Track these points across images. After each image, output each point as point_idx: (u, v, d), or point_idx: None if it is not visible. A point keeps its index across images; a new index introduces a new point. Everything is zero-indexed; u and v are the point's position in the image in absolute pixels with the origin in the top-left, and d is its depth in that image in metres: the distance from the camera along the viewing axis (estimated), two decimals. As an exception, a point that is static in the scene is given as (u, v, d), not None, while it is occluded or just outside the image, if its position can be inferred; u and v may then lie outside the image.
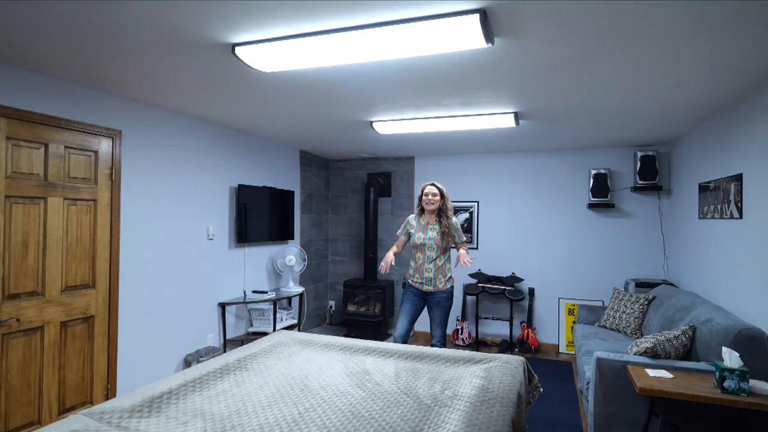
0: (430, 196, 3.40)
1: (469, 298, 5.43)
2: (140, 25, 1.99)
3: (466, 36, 1.99)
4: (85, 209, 2.98)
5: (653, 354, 2.72)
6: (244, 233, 4.36)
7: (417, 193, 5.66)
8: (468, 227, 5.52)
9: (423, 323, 5.63)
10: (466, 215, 5.54)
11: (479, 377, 2.00)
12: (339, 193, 6.21)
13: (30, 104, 2.64)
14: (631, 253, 4.87)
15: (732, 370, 2.18)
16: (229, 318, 4.28)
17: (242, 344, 3.49)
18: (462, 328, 5.28)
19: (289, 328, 4.61)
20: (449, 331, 5.50)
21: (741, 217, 2.97)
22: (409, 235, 3.51)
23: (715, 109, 3.33)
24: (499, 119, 3.62)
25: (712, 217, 3.45)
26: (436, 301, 3.41)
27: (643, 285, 4.37)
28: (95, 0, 1.78)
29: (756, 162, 2.80)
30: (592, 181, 4.89)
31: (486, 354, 2.35)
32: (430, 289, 3.39)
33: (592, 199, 4.89)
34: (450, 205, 3.46)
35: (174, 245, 3.64)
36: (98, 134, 3.03)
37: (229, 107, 3.44)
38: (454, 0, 1.76)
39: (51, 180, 2.77)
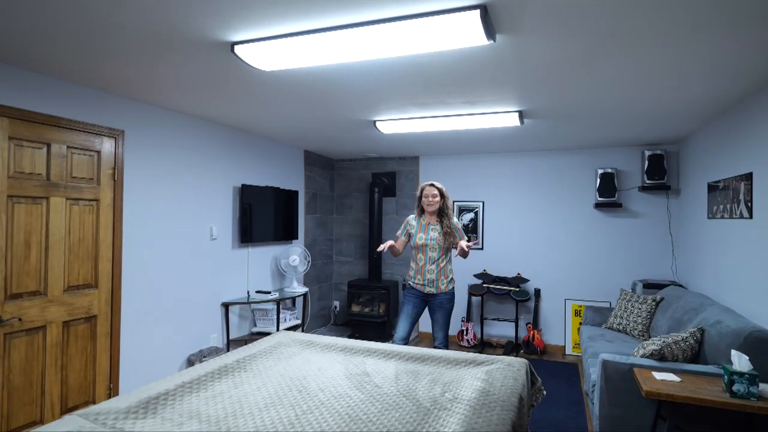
0: (430, 198, 3.34)
1: (474, 298, 5.39)
2: (139, 24, 1.98)
3: (467, 33, 1.95)
4: (88, 209, 2.99)
5: (660, 356, 2.66)
6: (248, 233, 4.35)
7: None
8: (473, 227, 5.48)
9: (426, 324, 5.59)
10: (472, 215, 5.49)
11: (480, 380, 1.96)
12: (343, 193, 6.19)
13: (32, 104, 2.65)
14: (639, 254, 4.80)
15: (741, 374, 2.12)
16: (233, 318, 4.27)
17: (245, 344, 3.47)
18: (467, 329, 5.23)
19: (293, 328, 4.60)
20: (454, 332, 5.45)
21: (751, 216, 2.91)
22: (409, 236, 3.45)
23: (724, 108, 3.27)
24: (504, 118, 3.57)
25: (722, 217, 3.38)
26: (438, 303, 3.36)
27: (650, 286, 4.30)
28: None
29: (766, 160, 2.74)
30: (598, 180, 4.82)
31: (488, 356, 2.31)
32: (432, 290, 3.34)
33: (599, 198, 4.82)
34: (450, 204, 3.41)
35: (177, 245, 3.64)
36: (101, 134, 3.04)
37: (230, 107, 3.43)
38: (454, -4, 1.73)
39: (53, 180, 2.78)
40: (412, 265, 3.45)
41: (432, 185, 3.37)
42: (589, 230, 5.00)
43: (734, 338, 2.51)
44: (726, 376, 2.17)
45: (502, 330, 5.34)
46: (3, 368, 2.54)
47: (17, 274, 2.61)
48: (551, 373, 4.33)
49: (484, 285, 5.16)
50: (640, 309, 3.88)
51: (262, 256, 4.72)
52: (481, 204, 5.45)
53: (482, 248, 5.44)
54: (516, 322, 5.11)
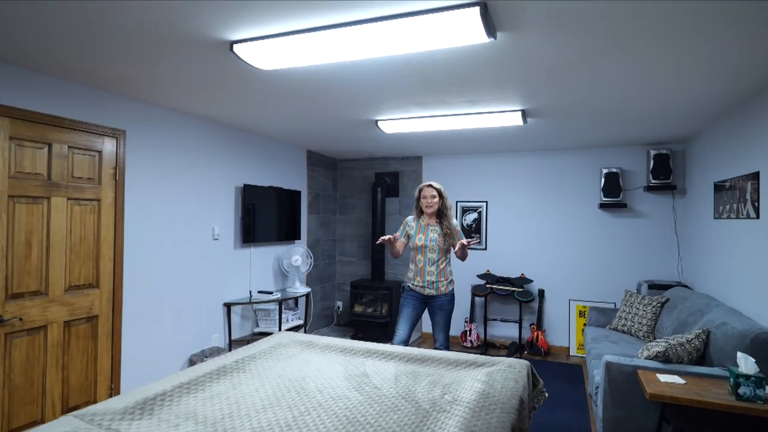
0: (428, 199, 3.28)
1: (477, 299, 5.36)
2: (136, 23, 1.97)
3: (467, 30, 1.93)
4: (89, 209, 2.99)
5: (665, 358, 2.62)
6: (250, 233, 4.35)
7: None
8: (477, 227, 5.45)
9: (429, 325, 5.57)
10: (475, 215, 5.46)
11: (480, 381, 1.94)
12: (346, 193, 6.18)
13: (33, 104, 2.65)
14: (644, 254, 4.75)
15: (747, 377, 2.09)
16: (235, 318, 4.27)
17: (247, 345, 3.47)
18: (470, 330, 5.20)
19: (295, 328, 4.59)
20: (457, 332, 5.43)
21: (758, 216, 2.86)
22: (408, 237, 3.39)
23: (730, 106, 3.22)
24: (507, 117, 3.54)
25: (728, 217, 3.33)
26: (438, 305, 3.31)
27: (656, 287, 4.25)
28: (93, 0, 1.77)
29: (773, 159, 2.69)
30: (603, 180, 4.78)
31: (489, 357, 2.29)
32: (432, 292, 3.29)
33: (604, 198, 4.78)
34: (449, 204, 3.35)
35: (179, 245, 3.64)
36: (102, 134, 3.04)
37: (230, 106, 3.42)
38: (453, -8, 1.71)
39: (54, 180, 2.78)
40: (411, 266, 3.39)
41: (430, 186, 3.32)
42: (593, 230, 4.96)
43: (740, 340, 2.48)
44: (732, 379, 2.13)
45: (505, 331, 5.30)
46: (4, 368, 2.54)
47: (18, 274, 2.61)
48: (555, 374, 4.30)
49: (488, 285, 5.13)
50: (645, 310, 3.84)
51: (265, 256, 4.71)
52: (484, 204, 5.42)
53: (485, 248, 5.41)
54: (520, 323, 5.07)
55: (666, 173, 4.50)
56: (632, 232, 4.81)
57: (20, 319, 2.61)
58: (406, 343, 3.27)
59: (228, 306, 4.13)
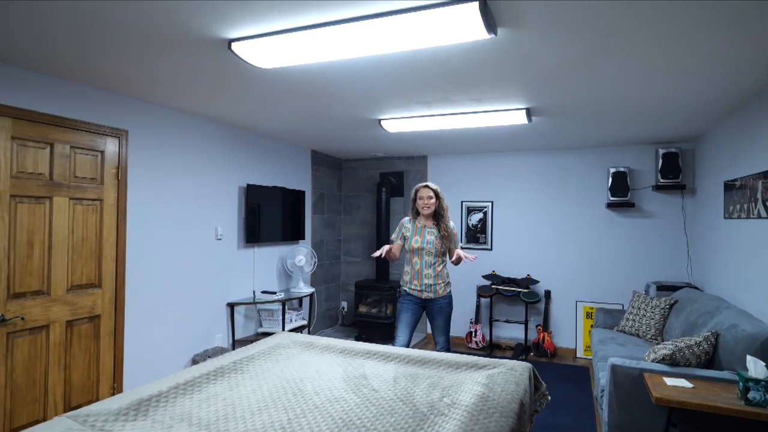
0: (425, 199, 3.22)
1: (482, 300, 5.31)
2: (135, 21, 1.96)
3: (467, 26, 1.89)
4: (91, 209, 2.99)
5: (672, 361, 2.56)
6: (253, 233, 4.34)
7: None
8: (482, 227, 5.40)
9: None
10: (480, 215, 5.41)
11: (480, 384, 1.90)
12: (351, 193, 6.16)
13: (35, 104, 2.66)
14: (653, 255, 4.67)
15: (757, 381, 2.03)
16: (238, 318, 4.26)
17: (248, 345, 3.46)
18: (476, 331, 5.15)
19: (299, 328, 4.58)
20: (462, 333, 5.39)
21: (769, 216, 2.79)
22: (404, 239, 3.30)
23: (740, 104, 3.15)
24: (511, 116, 3.50)
25: (738, 217, 3.26)
26: (437, 308, 3.24)
27: (664, 288, 4.17)
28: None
29: (785, 157, 2.62)
30: (610, 179, 4.70)
31: (490, 359, 2.25)
32: (431, 295, 3.21)
33: (611, 198, 4.70)
34: (446, 205, 3.29)
35: (181, 245, 3.64)
36: (104, 134, 3.05)
37: (231, 106, 3.41)
38: (451, -13, 1.67)
39: (57, 180, 2.79)
40: (408, 269, 3.30)
41: (426, 186, 3.26)
42: (600, 231, 4.89)
43: (750, 343, 2.41)
44: (741, 383, 2.08)
45: (511, 332, 5.24)
46: (6, 367, 2.55)
47: (20, 274, 2.62)
48: (561, 376, 4.24)
49: (493, 286, 5.08)
50: (653, 312, 3.77)
51: (269, 256, 4.70)
52: (490, 204, 5.37)
53: (491, 249, 5.36)
54: (525, 324, 5.01)
55: (675, 172, 4.42)
56: (640, 232, 4.73)
57: (22, 319, 2.61)
58: (407, 347, 3.22)
59: (231, 306, 4.13)
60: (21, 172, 2.61)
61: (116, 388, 3.15)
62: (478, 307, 5.27)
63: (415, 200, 3.29)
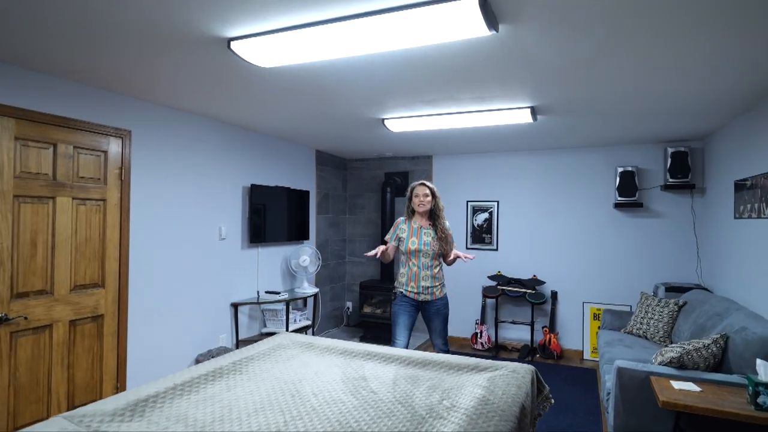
0: (421, 197, 3.15)
1: (488, 300, 5.26)
2: (134, 21, 1.96)
3: (467, 22, 1.86)
4: (95, 209, 3.00)
5: (679, 364, 2.51)
6: (258, 233, 4.34)
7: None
8: (488, 228, 5.35)
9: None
10: (486, 215, 5.36)
11: (481, 387, 1.86)
12: (356, 193, 6.14)
13: (38, 105, 2.67)
14: (661, 256, 4.59)
15: (767, 385, 1.97)
16: (242, 318, 4.26)
17: (249, 345, 3.45)
18: (481, 332, 5.11)
19: (303, 329, 4.56)
20: (468, 334, 5.35)
21: (780, 216, 2.72)
22: (399, 240, 3.22)
23: (753, 102, 3.08)
24: (516, 114, 3.45)
25: (749, 217, 3.19)
26: (435, 310, 3.18)
27: (673, 289, 4.10)
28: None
29: (797, 156, 2.55)
30: (618, 179, 4.63)
31: (492, 361, 2.21)
32: (427, 298, 3.14)
33: (619, 198, 4.63)
34: (442, 205, 3.22)
35: (185, 245, 3.64)
36: (107, 134, 3.05)
37: (233, 105, 3.40)
38: (449, -17, 1.65)
39: (60, 180, 2.80)
40: (404, 271, 3.21)
41: (423, 184, 3.20)
42: (608, 231, 4.82)
43: (761, 346, 2.35)
44: (750, 387, 2.02)
45: (517, 333, 5.19)
46: (9, 366, 2.56)
47: (23, 273, 2.63)
48: (568, 378, 4.18)
49: (499, 287, 5.03)
50: (661, 313, 3.70)
51: (273, 256, 4.70)
52: (495, 204, 5.32)
53: (497, 249, 5.31)
54: (532, 325, 4.95)
55: (684, 171, 4.34)
56: (649, 232, 4.66)
57: (25, 318, 2.62)
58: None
59: (235, 306, 4.13)
60: (24, 172, 2.63)
61: (119, 387, 3.16)
62: (483, 307, 5.22)
63: (410, 198, 3.22)
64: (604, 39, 2.07)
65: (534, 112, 3.41)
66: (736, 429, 2.12)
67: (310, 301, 5.06)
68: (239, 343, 4.13)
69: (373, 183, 6.00)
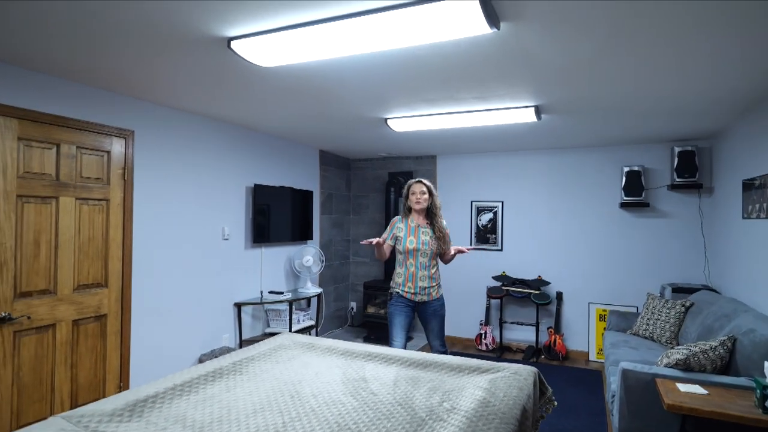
0: (417, 194, 3.10)
1: (492, 301, 5.22)
2: (134, 21, 1.95)
3: (468, 20, 1.84)
4: (98, 209, 3.01)
5: (686, 366, 2.47)
6: (261, 233, 4.34)
7: (441, 192, 5.51)
8: (492, 228, 5.31)
9: (448, 326, 5.46)
10: (490, 216, 5.33)
11: (482, 389, 1.84)
12: (360, 193, 6.13)
13: (40, 105, 2.68)
14: (668, 256, 4.54)
15: (775, 389, 1.93)
16: (246, 318, 4.26)
17: (250, 345, 3.44)
18: (485, 333, 5.08)
19: (307, 329, 4.56)
20: (472, 335, 5.32)
21: (789, 216, 2.67)
22: (396, 239, 3.15)
23: (761, 100, 3.03)
24: (519, 113, 3.42)
25: (758, 217, 3.13)
26: (432, 311, 3.12)
27: (680, 290, 4.05)
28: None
29: (806, 154, 2.51)
30: (624, 178, 4.58)
31: (494, 363, 2.19)
32: (424, 298, 3.08)
33: (625, 198, 4.58)
34: (439, 203, 3.17)
35: (188, 245, 3.64)
36: (110, 134, 3.06)
37: (234, 105, 3.39)
38: (449, -20, 1.63)
39: (63, 180, 2.81)
40: (400, 271, 3.14)
41: (420, 182, 3.15)
42: (614, 231, 4.77)
43: (769, 348, 2.31)
44: (758, 390, 1.99)
45: (522, 334, 5.15)
46: (13, 366, 2.57)
47: (27, 273, 2.64)
48: (573, 380, 4.14)
49: (503, 287, 4.99)
50: (668, 314, 3.65)
51: (276, 256, 4.70)
52: (500, 204, 5.28)
53: (501, 249, 5.27)
54: (537, 326, 4.91)
55: (691, 171, 4.29)
56: (655, 232, 4.60)
57: (28, 318, 2.64)
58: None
59: (238, 306, 4.13)
60: (27, 173, 2.64)
61: (122, 387, 3.16)
62: (488, 308, 5.19)
63: (407, 196, 3.17)
64: (611, 35, 2.04)
65: (538, 111, 3.38)
66: (743, 433, 2.08)
67: (314, 302, 5.05)
68: (242, 343, 4.13)
69: (377, 183, 5.98)
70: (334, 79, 2.74)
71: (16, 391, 2.59)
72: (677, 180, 4.34)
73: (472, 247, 3.00)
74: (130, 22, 1.97)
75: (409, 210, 3.19)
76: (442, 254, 3.18)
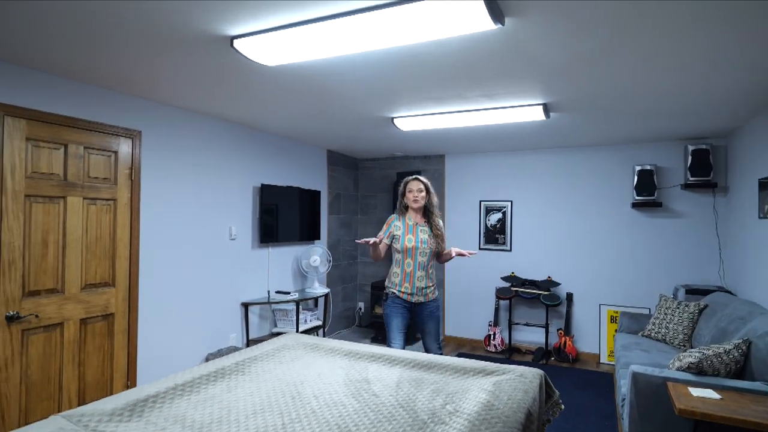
0: (415, 192, 3.04)
1: (501, 302, 5.17)
2: (135, 21, 1.95)
3: (472, 16, 1.81)
4: (105, 208, 3.03)
5: (698, 370, 2.40)
6: (268, 233, 4.34)
7: (449, 192, 5.47)
8: (501, 228, 5.26)
9: (451, 328, 5.42)
10: (499, 215, 5.27)
11: (486, 391, 1.81)
12: (367, 193, 6.11)
13: (49, 106, 2.70)
14: (682, 257, 4.44)
15: (791, 394, 1.86)
16: (253, 318, 4.27)
17: (255, 345, 3.44)
18: (494, 334, 5.02)
19: (314, 329, 4.55)
20: (481, 336, 5.26)
21: (807, 215, 2.59)
22: (392, 238, 3.06)
23: (776, 94, 2.94)
24: (528, 112, 3.37)
25: (774, 217, 3.05)
26: (428, 313, 3.05)
27: (694, 292, 3.96)
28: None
29: (825, 152, 2.42)
30: (636, 177, 4.50)
31: (500, 365, 2.15)
32: (421, 299, 3.01)
33: (637, 197, 4.50)
34: (436, 201, 3.11)
35: (195, 244, 3.66)
36: (117, 135, 3.08)
37: (239, 105, 3.39)
38: (451, -25, 1.60)
39: (70, 180, 2.83)
40: (397, 270, 3.06)
41: (417, 179, 3.08)
42: (625, 231, 4.68)
43: (785, 352, 2.23)
44: (774, 396, 1.92)
45: (531, 336, 5.09)
46: (21, 364, 2.60)
47: (35, 272, 2.67)
48: (583, 383, 4.07)
49: (513, 288, 4.93)
50: (681, 316, 3.57)
51: (284, 256, 4.70)
52: (509, 204, 5.22)
53: (510, 250, 5.21)
54: (546, 327, 4.84)
55: (706, 170, 4.19)
56: (668, 232, 4.51)
57: (37, 316, 2.66)
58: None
59: (245, 306, 4.13)
60: (35, 173, 2.66)
61: (130, 385, 3.18)
62: (496, 309, 5.13)
63: (404, 194, 3.10)
64: (618, 31, 1.99)
65: (546, 109, 3.32)
66: (758, 439, 2.01)
67: (321, 302, 5.04)
68: (249, 343, 4.13)
69: (385, 183, 5.96)
70: (339, 78, 2.72)
71: (24, 390, 2.61)
72: (691, 179, 4.24)
73: (473, 251, 2.95)
74: (131, 22, 1.97)
75: (406, 208, 3.13)
76: (439, 254, 3.13)
